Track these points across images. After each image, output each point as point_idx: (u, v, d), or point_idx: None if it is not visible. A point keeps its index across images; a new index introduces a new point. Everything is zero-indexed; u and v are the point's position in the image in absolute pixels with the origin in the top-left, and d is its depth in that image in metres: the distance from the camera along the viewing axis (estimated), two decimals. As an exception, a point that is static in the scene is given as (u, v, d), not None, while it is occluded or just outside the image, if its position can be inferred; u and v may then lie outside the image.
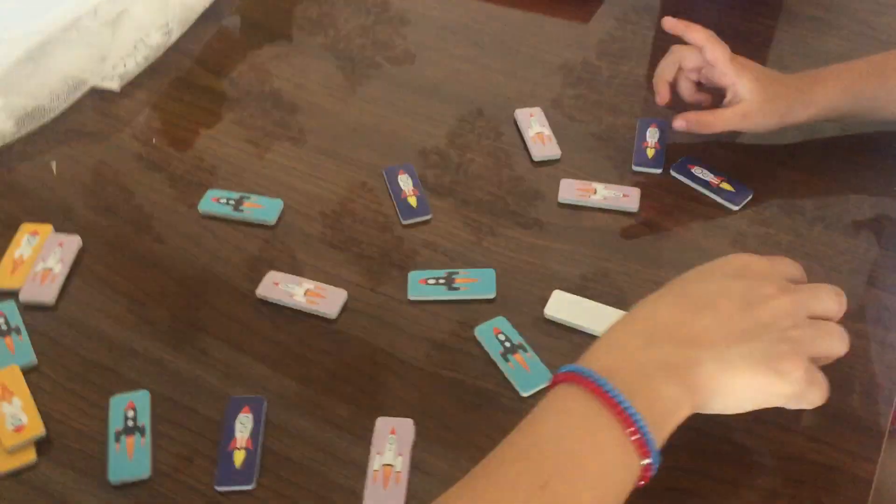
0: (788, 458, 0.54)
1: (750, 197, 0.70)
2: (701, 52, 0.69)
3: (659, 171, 0.72)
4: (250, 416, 0.56)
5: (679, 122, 0.70)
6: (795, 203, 0.70)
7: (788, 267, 0.53)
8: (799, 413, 0.55)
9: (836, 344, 0.49)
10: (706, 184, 0.70)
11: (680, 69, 0.72)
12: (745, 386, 0.47)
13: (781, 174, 0.72)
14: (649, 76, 0.81)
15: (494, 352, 0.59)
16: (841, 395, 0.56)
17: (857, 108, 0.70)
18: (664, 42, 0.74)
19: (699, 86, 0.74)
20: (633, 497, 0.44)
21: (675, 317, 0.48)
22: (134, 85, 0.81)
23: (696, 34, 0.69)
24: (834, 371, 0.49)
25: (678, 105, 0.74)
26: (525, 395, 0.57)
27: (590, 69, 0.83)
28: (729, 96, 0.70)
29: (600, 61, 0.84)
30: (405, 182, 0.71)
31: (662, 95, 0.73)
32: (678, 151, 0.73)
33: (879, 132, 0.74)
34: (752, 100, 0.68)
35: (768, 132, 0.71)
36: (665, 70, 0.73)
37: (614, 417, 0.43)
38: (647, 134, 0.75)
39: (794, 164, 0.72)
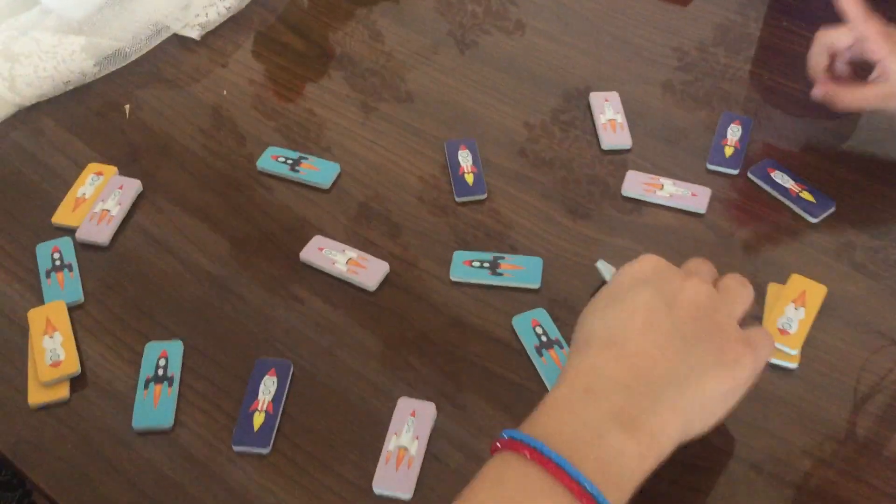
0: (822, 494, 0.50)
1: (832, 210, 0.64)
2: (850, 23, 0.63)
3: (735, 171, 0.67)
4: (275, 379, 0.56)
5: (818, 90, 0.65)
6: (881, 222, 0.64)
7: (653, 259, 0.51)
8: (846, 450, 0.51)
9: (746, 296, 0.49)
10: (785, 191, 0.65)
11: (833, 55, 0.66)
12: (712, 392, 0.44)
13: (870, 188, 0.66)
14: (747, 69, 0.76)
15: (529, 345, 0.57)
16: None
17: None
18: (771, 36, 0.68)
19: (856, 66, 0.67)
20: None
21: (610, 356, 0.45)
22: (214, 35, 0.82)
23: (848, 2, 0.63)
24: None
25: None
26: (554, 393, 0.55)
27: (681, 56, 0.78)
28: (876, 73, 0.64)
29: (693, 49, 0.79)
30: (465, 158, 0.69)
31: (823, 85, 0.66)
32: (761, 153, 0.69)
33: None
34: None
35: None
36: (817, 59, 0.66)
37: (559, 484, 0.39)
38: (729, 131, 0.70)
39: (887, 179, 0.66)
